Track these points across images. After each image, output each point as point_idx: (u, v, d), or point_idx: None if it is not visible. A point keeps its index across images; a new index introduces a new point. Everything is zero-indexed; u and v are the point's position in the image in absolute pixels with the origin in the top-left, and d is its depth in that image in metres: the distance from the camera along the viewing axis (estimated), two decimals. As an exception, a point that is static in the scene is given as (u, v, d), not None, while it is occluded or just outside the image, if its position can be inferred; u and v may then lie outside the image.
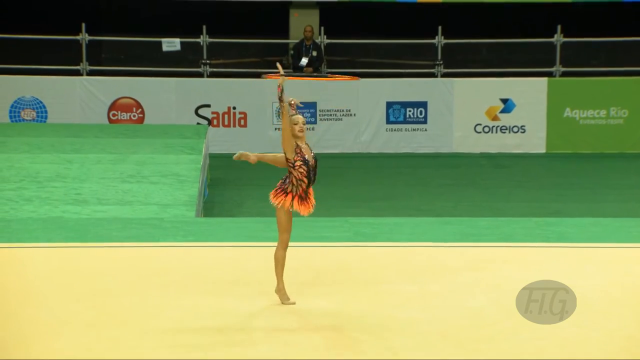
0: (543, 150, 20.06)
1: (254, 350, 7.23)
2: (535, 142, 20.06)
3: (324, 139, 20.05)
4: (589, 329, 7.71)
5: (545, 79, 20.07)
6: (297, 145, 7.84)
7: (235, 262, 9.91)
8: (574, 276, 9.27)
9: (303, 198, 7.76)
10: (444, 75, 20.63)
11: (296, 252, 10.32)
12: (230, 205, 15.46)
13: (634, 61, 21.02)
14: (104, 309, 8.16)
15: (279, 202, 7.78)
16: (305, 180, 7.74)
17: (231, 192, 16.47)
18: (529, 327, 7.78)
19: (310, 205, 7.85)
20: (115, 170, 14.21)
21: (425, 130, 20.08)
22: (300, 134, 7.91)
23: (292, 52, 20.74)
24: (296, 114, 7.92)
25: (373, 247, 10.63)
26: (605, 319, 7.96)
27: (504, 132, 20.08)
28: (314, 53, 20.41)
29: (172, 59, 21.07)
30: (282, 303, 8.06)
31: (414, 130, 20.11)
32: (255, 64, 21.49)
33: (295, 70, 20.43)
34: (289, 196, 7.75)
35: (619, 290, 8.77)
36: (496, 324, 7.81)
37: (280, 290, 8.03)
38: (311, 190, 7.93)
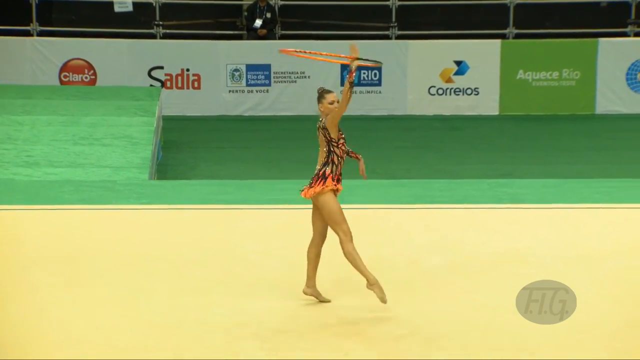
0: (496, 112, 20.15)
1: (210, 314, 7.23)
2: (488, 104, 20.14)
3: (278, 102, 19.97)
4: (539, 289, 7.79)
5: (498, 41, 20.12)
6: (324, 127, 7.27)
7: (189, 224, 9.86)
8: (526, 237, 9.35)
9: (339, 180, 7.27)
10: (398, 37, 20.61)
11: (252, 214, 10.30)
12: (184, 168, 15.38)
13: (587, 23, 21.13)
14: (57, 273, 8.10)
15: (321, 187, 7.18)
16: (341, 156, 7.26)
17: (185, 155, 16.37)
18: (482, 288, 7.84)
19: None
20: (67, 133, 14.05)
21: (380, 92, 20.07)
22: (338, 110, 7.28)
23: (245, 13, 20.59)
24: (328, 90, 7.41)
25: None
26: (560, 280, 8.04)
27: (458, 95, 20.13)
28: (268, 15, 20.27)
29: (124, 20, 20.82)
30: (381, 299, 7.09)
31: (368, 92, 20.09)
32: (208, 25, 21.31)
33: (249, 32, 20.29)
34: (329, 178, 7.21)
35: (571, 251, 8.86)
36: (451, 285, 7.86)
37: (374, 285, 7.12)
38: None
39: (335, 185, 7.21)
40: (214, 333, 6.84)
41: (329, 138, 7.19)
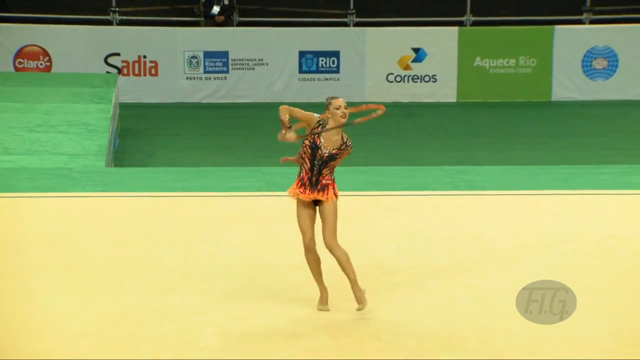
0: (454, 100, 20.23)
1: (167, 300, 7.19)
2: (446, 91, 20.21)
3: (236, 89, 19.90)
4: (497, 277, 7.84)
5: (456, 28, 20.19)
6: (324, 125, 6.89)
7: (147, 212, 9.81)
8: (484, 223, 9.40)
9: (304, 183, 6.87)
10: (356, 24, 20.60)
11: (210, 201, 10.26)
12: (141, 155, 15.28)
13: (543, 11, 21.26)
14: (12, 261, 8.02)
15: (289, 191, 6.95)
16: (308, 162, 6.89)
17: (142, 142, 16.27)
18: (439, 275, 7.87)
19: (315, 193, 6.87)
20: (22, 120, 13.90)
21: (338, 79, 20.06)
22: (342, 120, 6.92)
23: (203, 0, 20.47)
24: (335, 96, 7.02)
25: (286, 196, 10.60)
26: (514, 266, 8.10)
27: (416, 82, 20.18)
28: (226, 1, 20.17)
29: (80, 6, 20.62)
30: (360, 307, 6.88)
31: (327, 79, 20.08)
32: (165, 11, 21.16)
33: (207, 18, 20.18)
34: (297, 179, 6.93)
35: (527, 237, 8.92)
36: (406, 272, 7.88)
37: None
38: (325, 180, 6.92)
39: (298, 189, 6.89)
40: (173, 321, 6.80)
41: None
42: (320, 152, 6.88)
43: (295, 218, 6.98)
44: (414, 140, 16.76)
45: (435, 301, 7.19)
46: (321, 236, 6.90)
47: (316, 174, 6.89)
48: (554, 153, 15.65)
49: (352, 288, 6.88)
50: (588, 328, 6.64)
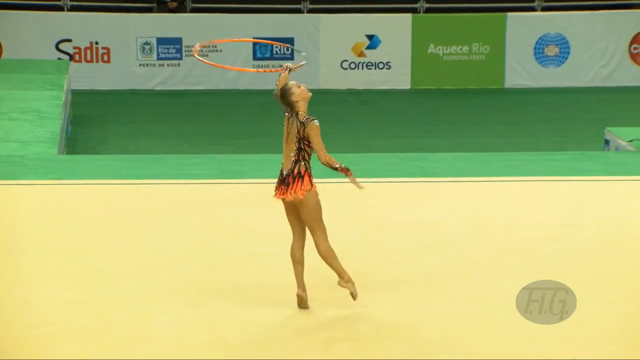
0: (408, 87, 20.29)
1: (122, 288, 7.15)
2: (400, 78, 20.26)
3: (190, 75, 19.79)
4: (450, 261, 7.88)
5: (409, 15, 20.23)
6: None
7: (100, 200, 9.73)
8: (438, 210, 9.44)
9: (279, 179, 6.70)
10: (310, 10, 20.57)
11: (164, 189, 10.20)
12: (94, 143, 15.16)
13: (496, -2, 21.37)
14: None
15: (307, 187, 6.63)
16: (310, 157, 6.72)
17: (95, 130, 16.14)
18: (395, 261, 7.90)
19: (279, 192, 6.71)
20: (-28, 107, 13.73)
21: (292, 66, 20.04)
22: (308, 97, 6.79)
23: (156, -15, 20.33)
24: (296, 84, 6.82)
25: (240, 184, 10.59)
26: (466, 252, 8.15)
27: (370, 69, 20.20)
28: (179, -13, 20.04)
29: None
30: (354, 295, 6.75)
31: (281, 66, 20.03)
32: (117, -3, 20.97)
33: (159, 5, 20.03)
34: (307, 176, 6.66)
35: (482, 223, 8.98)
36: (363, 258, 7.90)
37: (348, 282, 6.74)
38: (286, 170, 6.75)
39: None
40: (128, 309, 6.76)
41: (301, 136, 6.64)
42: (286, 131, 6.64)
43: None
44: (369, 127, 16.78)
45: (391, 286, 7.21)
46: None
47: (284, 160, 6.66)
48: (507, 140, 15.76)
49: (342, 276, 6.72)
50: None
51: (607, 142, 13.32)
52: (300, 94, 6.74)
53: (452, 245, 8.33)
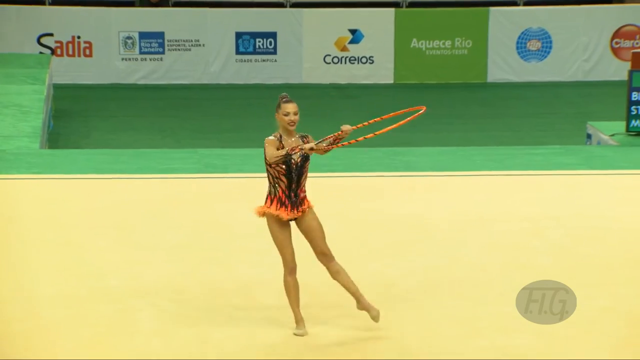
0: (391, 81, 20.31)
1: (104, 283, 7.14)
2: (383, 72, 20.28)
3: (172, 70, 19.75)
4: (436, 257, 7.91)
5: (392, 10, 20.25)
6: (281, 141, 6.38)
7: (82, 195, 9.71)
8: (421, 204, 9.47)
9: (283, 202, 6.37)
10: (293, 5, 20.55)
11: (146, 183, 10.19)
12: (76, 137, 15.12)
13: (479, -7, 21.42)
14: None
15: (258, 211, 6.41)
16: (284, 179, 6.36)
17: (77, 124, 16.09)
18: (376, 257, 7.92)
19: (297, 211, 6.42)
20: (-47, 101, 13.67)
21: (275, 61, 20.02)
22: (290, 127, 6.41)
23: (137, -20, 20.27)
24: (288, 100, 6.42)
25: (223, 178, 10.58)
26: (451, 245, 8.18)
27: (353, 63, 20.21)
28: (161, -19, 19.99)
29: (12, -15, 20.28)
30: (373, 314, 6.43)
31: (264, 61, 20.02)
32: (100, -9, 20.90)
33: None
34: (271, 202, 6.37)
35: (464, 217, 9.01)
36: (347, 252, 7.91)
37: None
38: (303, 193, 6.47)
39: (277, 210, 6.35)
40: (110, 304, 6.75)
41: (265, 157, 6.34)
42: (293, 161, 6.38)
43: (271, 239, 6.39)
44: (351, 121, 16.75)
45: (373, 281, 7.23)
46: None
47: (295, 188, 6.40)
48: (490, 134, 15.80)
49: (360, 300, 6.41)
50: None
51: (589, 136, 13.38)
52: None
53: (434, 239, 8.36)
